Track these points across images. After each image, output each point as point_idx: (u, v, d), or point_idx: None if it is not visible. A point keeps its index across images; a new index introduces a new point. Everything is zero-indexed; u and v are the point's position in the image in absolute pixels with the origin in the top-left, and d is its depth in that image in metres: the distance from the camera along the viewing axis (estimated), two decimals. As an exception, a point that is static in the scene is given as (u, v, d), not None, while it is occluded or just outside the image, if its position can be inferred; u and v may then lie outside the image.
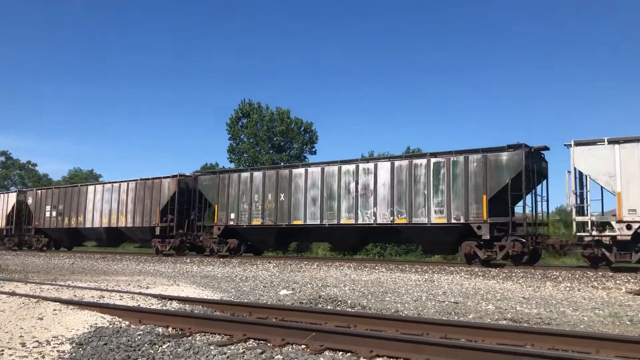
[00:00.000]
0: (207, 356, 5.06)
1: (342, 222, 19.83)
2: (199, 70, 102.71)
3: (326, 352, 5.21)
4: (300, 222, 20.92)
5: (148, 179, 26.55)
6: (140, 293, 9.83)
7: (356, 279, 14.18)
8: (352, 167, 19.92)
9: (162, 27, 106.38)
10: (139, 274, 16.58)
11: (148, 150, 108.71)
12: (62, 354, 5.44)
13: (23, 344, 5.78)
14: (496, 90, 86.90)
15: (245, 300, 9.50)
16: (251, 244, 24.04)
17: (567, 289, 11.93)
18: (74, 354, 5.40)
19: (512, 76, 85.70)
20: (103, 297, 9.33)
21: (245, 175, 23.07)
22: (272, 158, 44.57)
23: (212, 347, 5.37)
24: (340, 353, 5.20)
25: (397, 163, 18.91)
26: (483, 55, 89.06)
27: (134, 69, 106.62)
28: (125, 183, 27.54)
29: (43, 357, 5.31)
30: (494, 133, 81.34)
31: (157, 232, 25.24)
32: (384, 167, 19.08)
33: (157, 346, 5.55)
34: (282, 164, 39.29)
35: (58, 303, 7.99)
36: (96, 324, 6.76)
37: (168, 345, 5.54)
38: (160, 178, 25.78)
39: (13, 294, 9.00)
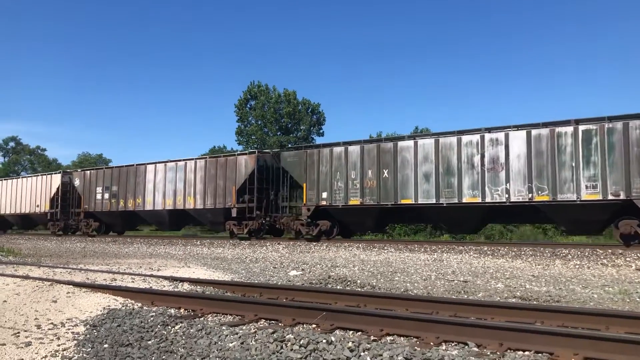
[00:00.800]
0: (220, 336, 5.12)
1: (464, 200, 17.54)
2: (206, 53, 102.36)
3: (337, 331, 5.26)
4: (410, 200, 18.66)
5: (220, 156, 24.85)
6: (151, 275, 9.94)
7: (365, 259, 14.24)
8: (475, 137, 17.55)
9: (170, 11, 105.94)
10: (149, 256, 16.73)
11: (155, 134, 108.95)
12: (76, 335, 5.52)
13: (38, 326, 5.87)
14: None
15: (256, 281, 9.58)
16: (344, 226, 21.90)
17: (577, 266, 11.93)
18: (88, 336, 5.49)
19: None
20: (115, 279, 9.44)
21: (338, 150, 20.64)
22: (280, 140, 44.55)
23: (224, 328, 5.43)
24: (351, 332, 5.25)
25: (534, 132, 16.59)
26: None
27: (142, 53, 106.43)
28: (193, 161, 25.20)
29: (58, 338, 5.40)
30: (517, 111, 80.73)
31: (234, 213, 23.16)
32: (518, 137, 16.79)
33: (169, 327, 5.63)
34: (289, 145, 39.25)
35: (71, 286, 8.09)
36: (109, 306, 6.84)
37: (180, 326, 5.61)
38: (235, 155, 23.97)
39: (27, 277, 9.12)
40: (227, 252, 17.60)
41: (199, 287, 8.57)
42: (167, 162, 26.42)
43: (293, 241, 21.29)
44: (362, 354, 4.36)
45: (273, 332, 5.09)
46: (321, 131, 48.42)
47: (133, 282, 9.17)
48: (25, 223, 36.36)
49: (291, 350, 4.57)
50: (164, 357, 4.62)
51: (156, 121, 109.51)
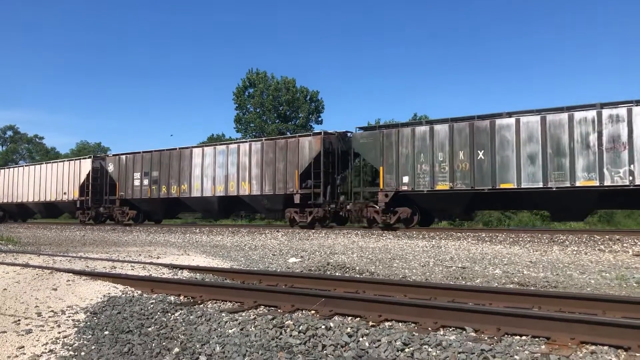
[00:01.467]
0: (219, 323, 5.15)
1: (577, 184, 15.90)
2: (204, 40, 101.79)
3: (335, 317, 5.30)
4: (511, 185, 16.90)
5: (279, 139, 22.76)
6: (151, 263, 9.97)
7: (364, 246, 14.29)
8: (590, 114, 15.87)
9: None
10: (149, 244, 16.78)
11: (153, 123, 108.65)
12: (77, 322, 5.55)
13: (39, 314, 5.90)
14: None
15: (255, 268, 9.62)
16: (426, 213, 20.18)
17: (574, 252, 11.99)
18: (89, 323, 5.52)
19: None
20: (115, 267, 9.47)
21: (422, 129, 18.76)
22: (279, 128, 44.45)
23: (223, 314, 5.47)
24: (350, 318, 5.29)
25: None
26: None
27: (139, 40, 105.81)
28: (247, 144, 23.27)
29: (59, 326, 5.43)
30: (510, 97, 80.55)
31: (297, 200, 21.17)
32: (644, 113, 15.12)
33: (169, 314, 5.66)
34: (288, 133, 39.16)
35: (71, 274, 8.12)
36: (109, 293, 6.88)
37: (180, 313, 5.65)
38: (296, 137, 21.99)
39: (27, 265, 9.15)
40: (226, 240, 17.64)
41: (198, 274, 8.61)
42: (216, 144, 24.64)
43: (292, 229, 21.30)
44: (360, 339, 4.40)
45: (272, 319, 5.13)
46: (320, 119, 48.33)
47: (133, 269, 9.20)
48: (50, 211, 34.39)
49: (290, 336, 4.61)
50: (164, 343, 4.65)
51: (154, 109, 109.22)
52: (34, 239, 20.45)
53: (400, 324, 5.01)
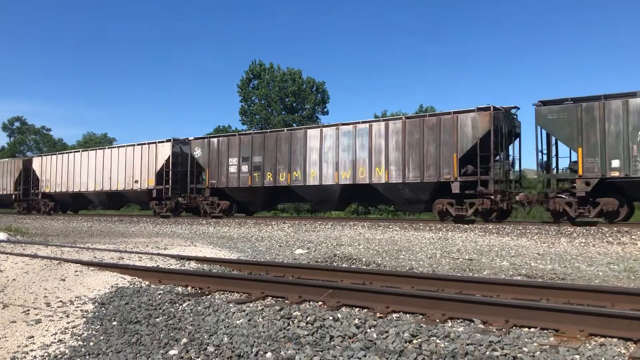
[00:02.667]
0: (227, 313, 5.16)
1: None
2: (209, 31, 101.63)
3: (343, 309, 5.30)
4: None
5: (429, 116, 19.29)
6: (158, 254, 10.01)
7: (370, 237, 14.29)
8: None
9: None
10: (156, 235, 16.84)
11: (158, 115, 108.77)
12: (85, 313, 5.59)
13: (48, 304, 5.94)
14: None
15: (262, 260, 9.64)
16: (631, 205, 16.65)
17: (582, 244, 11.93)
18: (97, 313, 5.55)
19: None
20: (122, 258, 9.51)
21: (638, 101, 15.30)
22: (285, 119, 44.41)
23: (231, 305, 5.48)
24: (357, 309, 5.28)
25: None
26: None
27: (144, 32, 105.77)
28: (382, 123, 19.79)
29: (67, 316, 5.46)
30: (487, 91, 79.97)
31: (455, 189, 17.80)
32: None
33: (177, 305, 5.68)
34: (294, 125, 39.13)
35: (79, 265, 8.17)
36: (117, 284, 6.91)
37: (188, 304, 5.66)
38: (451, 113, 18.36)
39: (35, 256, 9.20)
40: (233, 231, 17.68)
41: (205, 265, 8.63)
42: (339, 125, 20.94)
43: (298, 220, 21.29)
44: (368, 330, 4.40)
45: (280, 309, 5.13)
46: (325, 110, 48.26)
47: (140, 260, 9.24)
48: (114, 202, 30.78)
49: (298, 327, 4.61)
50: (172, 334, 4.67)
51: (159, 102, 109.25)
52: (41, 229, 20.56)
53: (407, 315, 5.00)
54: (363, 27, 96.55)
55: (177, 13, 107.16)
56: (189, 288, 6.61)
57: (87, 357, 4.28)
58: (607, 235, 13.28)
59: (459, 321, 4.71)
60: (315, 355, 3.91)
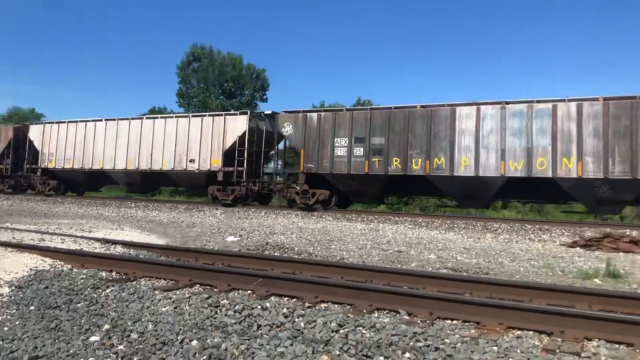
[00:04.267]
0: (152, 300, 5.03)
1: None
2: (148, 10, 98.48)
3: (272, 298, 5.29)
4: None
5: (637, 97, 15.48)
6: (82, 237, 9.64)
7: (303, 227, 14.33)
8: None
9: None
10: (81, 217, 16.21)
11: (90, 91, 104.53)
12: (0, 297, 5.30)
13: (-42, 287, 5.59)
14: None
15: (192, 246, 9.47)
16: None
17: (506, 240, 12.43)
18: (13, 297, 5.27)
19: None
20: (44, 239, 9.09)
21: None
22: (223, 104, 43.76)
23: (157, 292, 5.34)
24: (286, 299, 5.28)
25: None
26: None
27: (81, 2, 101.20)
28: (573, 105, 15.99)
29: (-20, 299, 5.16)
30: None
31: None
32: None
33: (100, 290, 5.48)
34: (232, 110, 38.68)
35: (-5, 245, 7.74)
36: (37, 267, 6.59)
37: (112, 290, 5.48)
38: None
39: (-54, 235, 8.64)
40: (163, 216, 17.28)
41: (132, 250, 8.39)
42: (503, 103, 16.98)
43: (247, 207, 21.01)
44: (296, 320, 4.40)
45: (208, 298, 5.06)
46: (265, 97, 47.92)
47: (63, 242, 8.86)
48: (148, 184, 25.60)
49: (225, 315, 4.56)
50: (94, 320, 4.50)
51: (91, 77, 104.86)
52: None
53: (336, 305, 5.05)
54: (308, 19, 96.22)
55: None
56: (114, 273, 6.40)
57: (1, 342, 4.06)
58: (530, 232, 13.90)
59: (385, 312, 4.80)
60: (242, 344, 3.87)
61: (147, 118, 24.82)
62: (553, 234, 13.43)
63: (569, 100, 16.08)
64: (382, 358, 3.60)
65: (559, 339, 4.00)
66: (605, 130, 15.45)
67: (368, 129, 18.69)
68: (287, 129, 20.33)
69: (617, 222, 17.67)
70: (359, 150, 18.83)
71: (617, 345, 3.94)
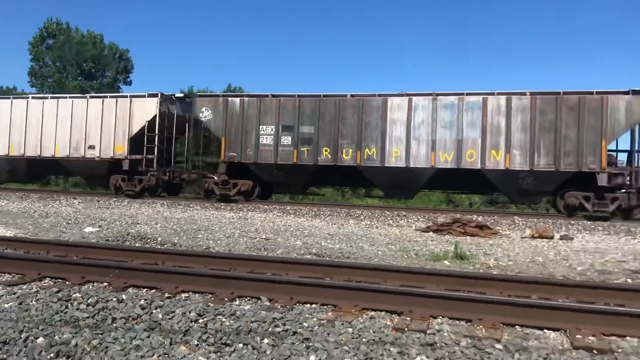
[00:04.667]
0: (-7, 297, 4.63)
1: None
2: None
3: (130, 290, 5.09)
4: None
5: (570, 94, 16.37)
6: None
7: (169, 216, 13.93)
8: None
9: None
10: None
11: None
12: None
13: None
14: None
15: (44, 238, 8.82)
16: None
17: (367, 226, 13.02)
18: None
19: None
20: None
21: None
22: (81, 85, 41.03)
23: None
24: (145, 290, 5.12)
25: None
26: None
27: None
28: (503, 97, 16.70)
29: None
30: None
31: (602, 181, 15.83)
32: None
33: None
34: (92, 92, 36.41)
35: None
36: None
37: (-56, 287, 4.96)
38: (591, 93, 16.22)
39: None
40: (12, 206, 15.88)
41: (-28, 243, 7.62)
42: (436, 95, 17.24)
43: (90, 195, 19.85)
44: (154, 311, 4.29)
45: (58, 291, 4.76)
46: (129, 79, 45.67)
47: None
48: (37, 173, 23.04)
49: (77, 309, 4.32)
50: None
51: None
52: None
53: (197, 295, 4.98)
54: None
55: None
56: (-52, 269, 5.78)
57: None
58: (389, 218, 14.69)
59: (246, 299, 4.82)
60: (94, 339, 3.69)
61: (33, 97, 22.23)
62: (410, 220, 14.30)
63: (499, 94, 16.64)
64: (241, 345, 3.62)
65: (408, 318, 4.28)
66: (532, 124, 16.21)
67: (297, 117, 18.15)
68: (206, 114, 19.16)
69: (466, 208, 19.19)
70: (286, 139, 18.26)
71: (458, 322, 4.30)
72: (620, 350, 3.71)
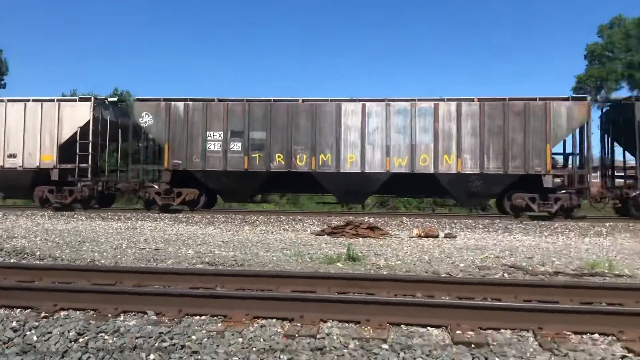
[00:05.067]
0: None
1: None
2: None
3: (1, 311, 4.69)
4: None
5: (515, 100, 16.93)
6: None
7: (50, 228, 13.05)
8: None
9: None
10: None
11: None
12: None
13: None
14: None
15: None
16: None
17: (262, 232, 12.98)
18: None
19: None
20: None
21: None
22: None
23: None
24: (18, 310, 4.74)
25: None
26: None
27: None
28: (453, 104, 16.96)
29: None
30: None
31: (547, 183, 16.55)
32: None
33: None
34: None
35: None
36: None
37: None
38: (536, 99, 16.86)
39: None
40: None
41: None
42: (390, 100, 17.17)
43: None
44: (27, 333, 3.99)
45: None
46: (3, 82, 42.24)
47: None
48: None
49: (-64, 337, 3.91)
50: None
51: None
52: None
53: (78, 312, 4.69)
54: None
55: None
56: None
57: None
58: (285, 223, 14.74)
59: (132, 314, 4.61)
60: (-44, 369, 3.36)
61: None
62: (305, 224, 14.44)
63: (449, 100, 16.99)
64: (125, 363, 3.46)
65: (298, 324, 4.30)
66: (481, 129, 16.62)
67: (246, 122, 17.47)
68: (146, 120, 17.94)
69: (358, 211, 19.72)
70: (236, 145, 17.49)
71: (347, 324, 4.38)
72: (495, 343, 3.96)
